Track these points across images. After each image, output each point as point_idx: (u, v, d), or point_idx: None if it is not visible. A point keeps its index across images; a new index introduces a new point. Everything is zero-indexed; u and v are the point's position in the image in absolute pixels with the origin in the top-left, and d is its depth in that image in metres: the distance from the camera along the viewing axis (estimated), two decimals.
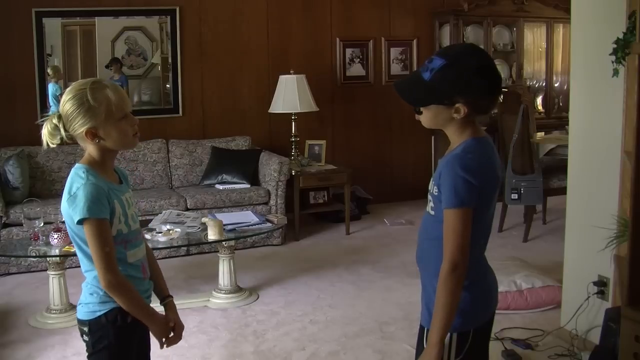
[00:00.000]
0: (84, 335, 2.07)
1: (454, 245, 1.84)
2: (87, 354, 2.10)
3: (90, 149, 2.02)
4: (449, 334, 1.92)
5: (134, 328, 2.07)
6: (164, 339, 2.13)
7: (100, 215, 1.93)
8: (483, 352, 2.08)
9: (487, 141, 1.97)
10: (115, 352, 2.04)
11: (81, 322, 2.07)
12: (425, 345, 1.97)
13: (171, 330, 2.16)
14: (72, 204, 1.94)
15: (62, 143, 2.04)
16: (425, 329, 2.02)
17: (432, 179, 1.99)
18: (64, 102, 1.98)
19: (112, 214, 1.98)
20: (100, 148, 2.01)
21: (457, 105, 1.88)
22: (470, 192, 1.84)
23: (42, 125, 2.03)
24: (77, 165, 2.02)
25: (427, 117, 1.95)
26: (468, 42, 7.05)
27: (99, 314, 2.02)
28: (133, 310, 2.02)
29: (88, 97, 1.95)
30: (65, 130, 1.99)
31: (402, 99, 2.00)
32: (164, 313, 2.20)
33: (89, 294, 2.04)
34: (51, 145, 2.02)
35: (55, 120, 1.99)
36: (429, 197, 2.00)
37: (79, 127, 1.97)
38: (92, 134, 1.97)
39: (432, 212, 1.98)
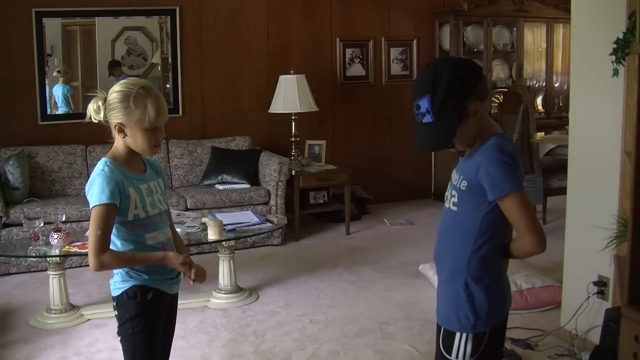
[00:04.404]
0: (115, 310, 2.30)
1: (529, 224, 1.85)
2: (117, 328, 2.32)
3: (117, 140, 2.24)
4: (465, 334, 1.94)
5: (156, 305, 2.27)
6: (192, 273, 2.29)
7: (103, 202, 2.11)
8: (498, 352, 2.07)
9: (509, 137, 1.99)
10: (136, 324, 2.24)
11: (112, 298, 2.30)
12: (441, 346, 1.98)
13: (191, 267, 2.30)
14: (87, 192, 2.17)
15: (101, 123, 2.23)
16: (443, 328, 2.01)
17: (456, 173, 1.98)
18: (113, 90, 2.20)
19: (127, 201, 2.17)
20: (124, 143, 2.22)
21: (469, 107, 1.87)
22: (519, 174, 1.86)
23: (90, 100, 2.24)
24: (102, 158, 2.24)
25: (461, 140, 1.92)
26: (467, 42, 7.10)
27: (121, 290, 2.25)
28: (142, 265, 2.21)
29: (131, 97, 2.16)
30: (104, 115, 2.20)
31: (435, 151, 2.01)
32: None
33: (115, 273, 2.27)
34: (94, 121, 2.22)
35: (100, 102, 2.21)
36: (452, 192, 1.98)
37: (114, 118, 2.19)
38: (120, 128, 2.19)
39: (455, 208, 1.97)
